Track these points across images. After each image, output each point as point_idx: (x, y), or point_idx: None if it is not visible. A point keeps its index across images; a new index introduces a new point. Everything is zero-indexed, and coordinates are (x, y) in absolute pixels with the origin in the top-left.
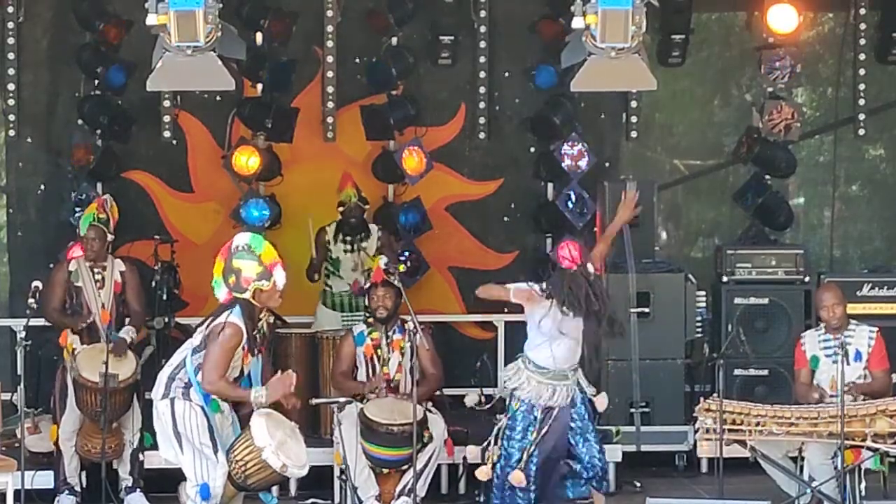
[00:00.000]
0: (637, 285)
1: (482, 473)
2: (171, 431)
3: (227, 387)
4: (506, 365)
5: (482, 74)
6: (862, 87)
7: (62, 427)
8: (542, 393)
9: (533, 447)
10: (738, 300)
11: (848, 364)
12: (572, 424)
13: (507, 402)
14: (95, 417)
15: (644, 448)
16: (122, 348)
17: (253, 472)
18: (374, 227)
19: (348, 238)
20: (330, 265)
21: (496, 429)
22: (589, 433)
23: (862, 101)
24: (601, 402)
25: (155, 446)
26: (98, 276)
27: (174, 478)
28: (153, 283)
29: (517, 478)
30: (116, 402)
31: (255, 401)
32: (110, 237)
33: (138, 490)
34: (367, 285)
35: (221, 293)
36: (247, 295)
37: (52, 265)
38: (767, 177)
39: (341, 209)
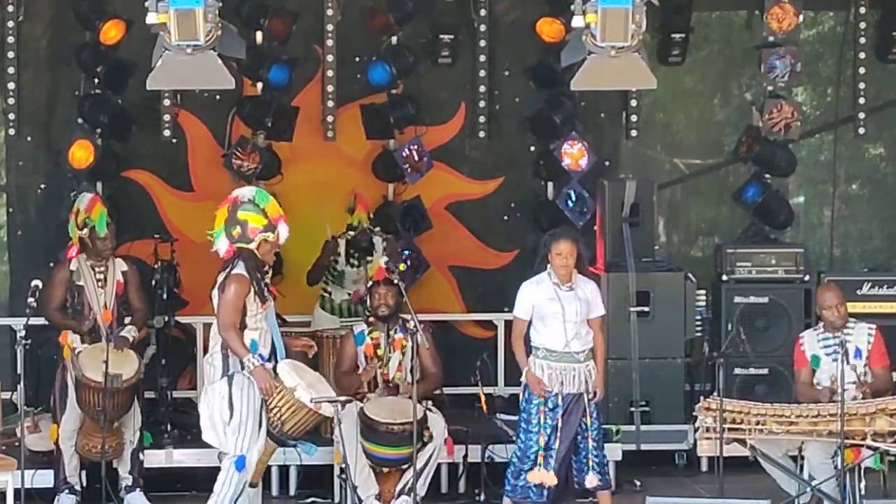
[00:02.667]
0: (637, 284)
1: (547, 478)
2: (226, 406)
3: (235, 338)
4: (506, 364)
5: (482, 73)
6: (862, 85)
7: (62, 426)
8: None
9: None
10: (737, 299)
11: (848, 362)
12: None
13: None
14: (97, 417)
15: (644, 447)
16: (123, 344)
17: (288, 416)
18: (378, 241)
19: (356, 255)
20: (333, 276)
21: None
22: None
23: (862, 100)
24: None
25: (154, 445)
26: (100, 276)
27: (174, 477)
28: (153, 282)
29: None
30: (119, 402)
31: (247, 364)
32: None
33: (138, 489)
34: (370, 284)
35: (222, 245)
36: (252, 245)
37: (51, 264)
38: (767, 176)
39: (352, 233)
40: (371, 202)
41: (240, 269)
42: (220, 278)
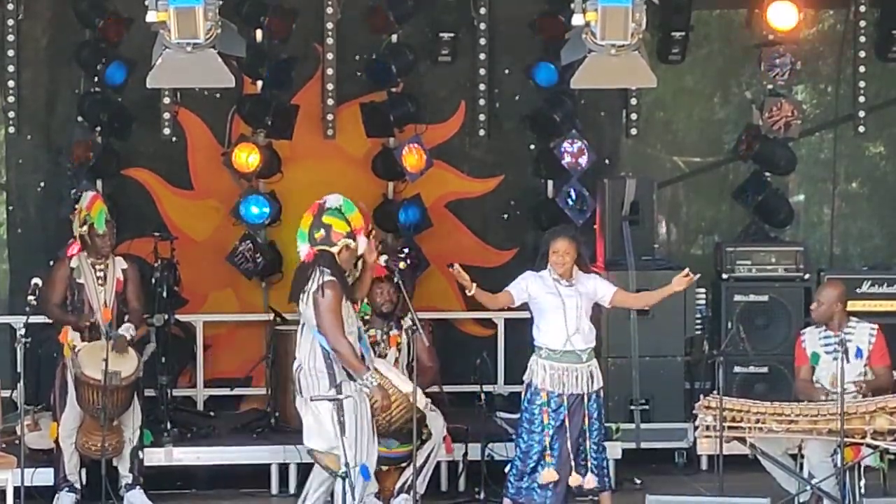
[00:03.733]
0: (637, 282)
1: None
2: (336, 419)
3: (350, 350)
4: (506, 362)
5: (482, 72)
6: (862, 84)
7: (62, 424)
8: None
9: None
10: (737, 297)
11: (848, 361)
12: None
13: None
14: (97, 415)
15: (644, 445)
16: (122, 345)
17: (397, 416)
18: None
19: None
20: None
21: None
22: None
23: (862, 99)
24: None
25: (154, 444)
26: (100, 273)
27: (174, 475)
28: (153, 281)
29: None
30: (118, 400)
31: (366, 381)
32: None
33: (138, 487)
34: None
35: (304, 249)
36: (335, 249)
37: (51, 262)
38: (767, 174)
39: None
40: (372, 202)
41: (328, 275)
42: (311, 287)
